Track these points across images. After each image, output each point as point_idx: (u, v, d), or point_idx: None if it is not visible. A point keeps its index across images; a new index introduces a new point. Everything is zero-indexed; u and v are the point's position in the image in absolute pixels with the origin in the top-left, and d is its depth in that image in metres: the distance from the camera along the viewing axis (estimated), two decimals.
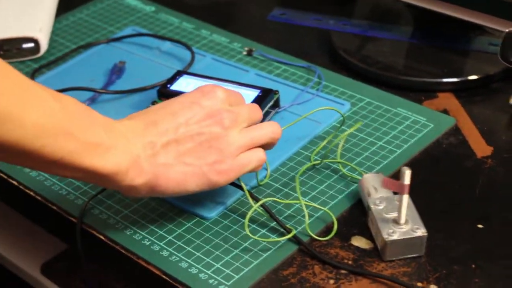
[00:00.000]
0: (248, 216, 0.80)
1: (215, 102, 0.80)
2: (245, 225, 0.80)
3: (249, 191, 0.83)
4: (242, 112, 0.81)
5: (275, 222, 0.82)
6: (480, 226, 0.83)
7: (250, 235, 0.80)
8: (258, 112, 0.83)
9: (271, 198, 0.84)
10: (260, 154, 0.81)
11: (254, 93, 0.95)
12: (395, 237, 0.78)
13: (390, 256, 0.78)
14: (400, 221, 0.79)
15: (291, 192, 0.87)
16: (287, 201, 0.85)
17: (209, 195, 0.85)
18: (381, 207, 0.81)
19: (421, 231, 0.78)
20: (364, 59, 1.07)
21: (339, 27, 1.15)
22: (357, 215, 0.84)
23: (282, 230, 0.81)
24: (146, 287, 0.82)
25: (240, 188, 0.83)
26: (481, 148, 0.93)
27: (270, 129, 0.82)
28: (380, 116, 0.97)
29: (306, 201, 0.85)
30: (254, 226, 0.83)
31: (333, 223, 0.82)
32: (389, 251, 0.78)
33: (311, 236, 0.81)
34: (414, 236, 0.78)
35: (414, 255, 0.79)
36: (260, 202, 0.81)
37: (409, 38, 1.12)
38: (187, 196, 0.85)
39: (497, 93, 1.02)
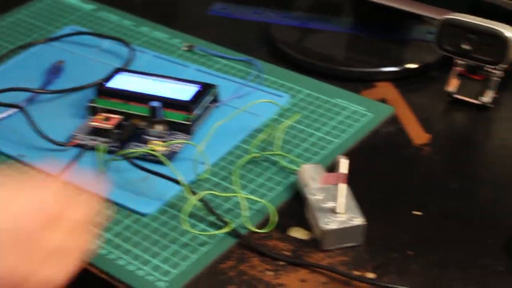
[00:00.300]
0: (186, 211, 0.80)
1: None
2: (183, 220, 0.80)
3: (187, 185, 0.82)
4: None
5: (213, 216, 0.82)
6: (417, 213, 0.83)
7: (188, 229, 0.80)
8: None
9: (209, 192, 0.84)
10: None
11: (194, 88, 0.95)
12: (332, 226, 0.78)
13: (328, 245, 0.79)
14: (338, 210, 0.79)
15: (230, 186, 0.87)
16: (225, 194, 0.84)
17: (147, 191, 0.85)
18: (319, 197, 0.81)
19: (359, 220, 0.79)
20: (304, 51, 1.08)
21: (280, 20, 1.15)
22: (296, 207, 0.84)
23: (220, 223, 0.81)
24: (85, 286, 0.81)
25: (178, 182, 0.83)
26: (419, 136, 0.94)
27: None
28: (319, 107, 0.97)
29: (244, 194, 0.85)
30: (193, 220, 0.82)
31: (271, 215, 0.82)
32: (327, 241, 0.79)
33: (249, 229, 0.81)
34: (352, 225, 0.78)
35: (352, 244, 0.79)
36: (198, 196, 0.81)
37: (349, 29, 1.13)
38: (125, 193, 0.85)
39: (434, 81, 1.03)
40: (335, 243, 0.79)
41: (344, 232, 0.78)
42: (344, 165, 0.77)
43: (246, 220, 0.81)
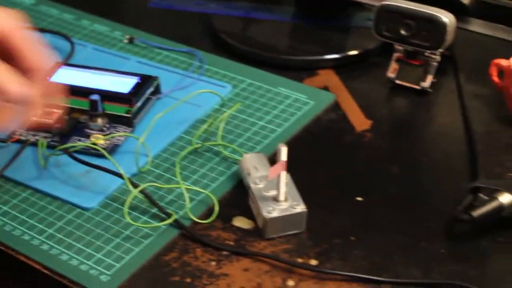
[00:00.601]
0: (127, 203, 0.80)
1: None
2: (125, 213, 0.80)
3: (129, 178, 0.82)
4: None
5: (156, 208, 0.82)
6: (359, 199, 0.84)
7: (131, 222, 0.80)
8: None
9: (151, 184, 0.83)
10: None
11: (133, 80, 0.94)
12: (274, 214, 0.78)
13: (270, 233, 0.79)
14: (279, 198, 0.79)
15: (172, 177, 0.86)
16: (167, 186, 0.84)
17: (89, 185, 0.85)
18: (261, 185, 0.81)
19: (301, 207, 0.79)
20: (245, 41, 1.08)
21: (221, 10, 1.15)
22: (239, 196, 0.84)
23: (163, 215, 0.81)
24: (28, 283, 0.81)
25: (120, 176, 0.83)
26: (360, 122, 0.95)
27: None
28: (261, 97, 0.98)
29: (187, 185, 0.85)
30: (135, 213, 0.82)
31: (214, 205, 0.82)
32: (269, 229, 0.79)
33: (192, 220, 0.81)
34: (294, 212, 0.79)
35: (295, 231, 0.80)
36: (139, 188, 0.81)
37: (291, 18, 1.13)
38: (67, 188, 0.84)
39: (375, 67, 1.04)
40: (278, 231, 0.79)
41: (286, 220, 0.79)
42: (283, 153, 0.77)
43: (188, 211, 0.81)
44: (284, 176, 0.79)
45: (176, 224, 0.80)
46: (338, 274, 0.75)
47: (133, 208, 0.82)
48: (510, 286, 0.74)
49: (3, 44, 0.74)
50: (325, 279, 0.75)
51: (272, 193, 0.80)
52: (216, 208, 0.82)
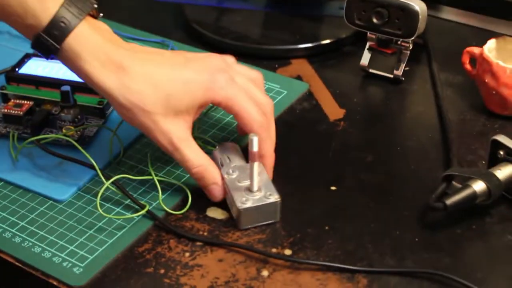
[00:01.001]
0: (99, 195, 0.79)
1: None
2: (97, 204, 0.79)
3: (101, 170, 0.81)
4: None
5: (129, 200, 0.81)
6: (333, 188, 0.84)
7: (103, 213, 0.79)
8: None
9: (122, 175, 0.83)
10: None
11: None
12: (248, 204, 0.78)
13: (245, 224, 0.79)
14: (253, 188, 0.79)
15: (145, 168, 0.86)
16: (140, 177, 0.84)
17: (61, 177, 0.84)
18: (234, 176, 0.81)
19: (274, 197, 0.79)
20: (218, 31, 1.07)
21: (194, 0, 1.15)
22: None
23: (136, 206, 0.81)
24: (1, 277, 0.80)
25: (92, 167, 0.82)
26: (333, 111, 0.94)
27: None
28: None
29: (160, 176, 0.84)
30: (108, 205, 0.82)
31: (188, 196, 0.82)
32: (244, 219, 0.79)
33: (166, 211, 0.81)
34: (267, 202, 0.79)
35: (270, 221, 0.79)
36: (111, 180, 0.80)
37: (263, 7, 1.13)
38: (39, 180, 0.84)
39: (348, 56, 1.04)
40: (252, 222, 0.79)
41: (260, 210, 0.79)
42: (255, 143, 0.77)
43: (161, 202, 0.81)
44: (257, 166, 0.78)
45: (150, 215, 0.80)
46: (312, 263, 0.75)
47: (106, 199, 0.82)
48: (484, 273, 0.74)
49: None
50: (299, 269, 0.75)
51: (246, 183, 0.80)
52: (190, 199, 0.82)
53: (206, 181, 0.80)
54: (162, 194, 0.82)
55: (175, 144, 0.78)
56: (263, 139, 0.80)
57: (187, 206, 0.81)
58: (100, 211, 0.79)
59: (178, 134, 0.78)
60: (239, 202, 0.78)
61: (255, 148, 0.77)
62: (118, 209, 0.81)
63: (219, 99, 0.79)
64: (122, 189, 0.81)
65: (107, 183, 0.80)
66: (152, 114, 0.76)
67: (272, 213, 0.79)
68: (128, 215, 0.80)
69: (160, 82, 0.76)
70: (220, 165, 0.83)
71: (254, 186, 0.79)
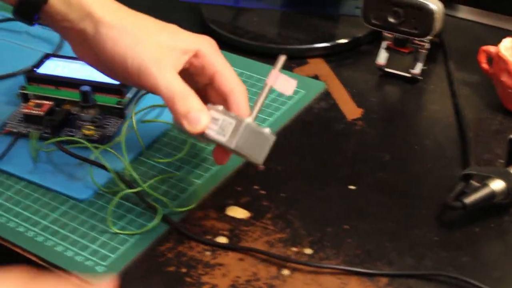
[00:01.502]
0: (112, 204, 0.81)
1: None
2: (109, 215, 0.80)
3: (117, 173, 0.82)
4: None
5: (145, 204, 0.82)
6: (351, 187, 0.84)
7: (114, 229, 0.80)
8: None
9: (139, 178, 0.83)
10: None
11: None
12: (250, 121, 0.73)
13: (238, 142, 0.73)
14: (252, 112, 0.74)
15: (166, 168, 0.87)
16: (155, 179, 0.84)
17: (82, 176, 0.85)
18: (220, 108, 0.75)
19: (269, 130, 0.74)
20: (234, 30, 1.08)
21: None
22: (232, 186, 0.85)
23: (157, 206, 0.81)
24: None
25: (107, 169, 0.83)
26: (351, 110, 0.95)
27: None
28: (252, 86, 0.98)
29: (179, 174, 0.85)
30: (128, 204, 0.82)
31: (208, 195, 0.83)
32: (242, 137, 0.73)
33: (186, 210, 0.81)
34: (263, 132, 0.74)
35: (254, 157, 0.74)
36: (120, 194, 0.81)
37: (280, 6, 1.13)
38: (60, 179, 0.84)
39: (365, 55, 1.04)
40: (244, 145, 0.73)
41: (256, 137, 0.74)
42: (280, 62, 0.75)
43: (181, 202, 0.82)
44: (265, 92, 0.75)
45: (170, 215, 0.81)
46: (331, 268, 0.75)
47: (125, 199, 0.83)
48: (502, 272, 0.75)
49: (201, 67, 0.79)
50: (320, 268, 0.75)
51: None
52: (208, 198, 0.82)
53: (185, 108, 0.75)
54: (182, 193, 0.83)
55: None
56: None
57: (192, 205, 0.81)
58: (111, 225, 0.80)
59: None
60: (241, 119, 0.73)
61: (278, 66, 0.74)
62: (138, 209, 0.82)
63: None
64: (140, 196, 0.81)
65: (117, 197, 0.81)
66: None
67: (261, 148, 0.74)
68: (141, 221, 0.81)
69: None
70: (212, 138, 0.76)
71: (254, 112, 0.74)
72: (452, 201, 0.79)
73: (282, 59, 0.74)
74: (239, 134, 0.73)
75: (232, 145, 0.73)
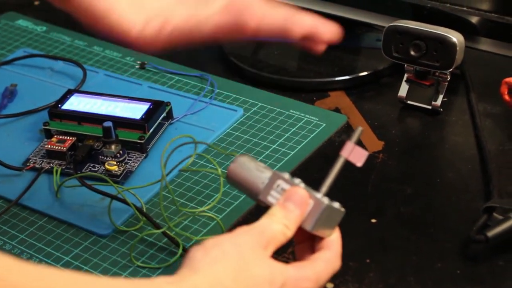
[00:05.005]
0: (134, 242, 0.80)
1: None
2: (131, 250, 0.80)
3: (138, 209, 0.83)
4: None
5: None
6: (373, 221, 0.84)
7: (136, 263, 0.80)
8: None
9: (161, 212, 0.83)
10: None
11: (145, 106, 0.95)
12: (327, 202, 0.68)
13: (317, 225, 0.67)
14: (323, 188, 0.69)
15: (187, 202, 0.87)
16: (179, 218, 0.84)
17: (104, 211, 0.85)
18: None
19: (338, 205, 0.70)
20: (256, 64, 1.08)
21: None
22: (253, 219, 0.84)
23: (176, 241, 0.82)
24: None
25: (129, 205, 0.83)
26: (372, 143, 0.95)
27: None
28: (273, 120, 0.98)
29: (201, 209, 0.85)
30: (150, 239, 0.83)
31: (230, 229, 0.82)
32: (320, 218, 0.67)
33: None
34: (336, 207, 0.69)
35: (329, 231, 0.70)
36: (142, 234, 0.82)
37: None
38: (82, 214, 0.85)
39: (386, 88, 1.04)
40: (321, 225, 0.68)
41: (331, 213, 0.69)
42: (356, 134, 0.70)
43: (204, 236, 0.82)
44: (340, 164, 0.71)
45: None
46: None
47: (146, 234, 0.83)
48: None
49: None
50: None
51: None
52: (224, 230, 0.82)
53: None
54: (204, 228, 0.83)
55: None
56: None
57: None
58: (133, 259, 0.80)
59: None
60: (319, 196, 0.68)
61: (354, 139, 0.70)
62: (153, 251, 0.82)
63: None
64: (165, 234, 0.82)
65: (138, 239, 0.81)
66: None
67: (334, 223, 0.70)
68: (159, 265, 0.81)
69: None
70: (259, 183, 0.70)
71: (323, 187, 0.69)
72: (475, 234, 0.78)
73: (358, 131, 0.70)
74: (317, 216, 0.67)
75: (309, 228, 0.67)
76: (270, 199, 0.68)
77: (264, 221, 0.65)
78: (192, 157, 0.81)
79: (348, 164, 0.91)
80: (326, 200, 0.67)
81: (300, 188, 0.67)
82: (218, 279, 0.61)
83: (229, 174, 0.70)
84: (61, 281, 0.57)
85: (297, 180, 0.68)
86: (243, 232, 0.64)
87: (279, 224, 0.65)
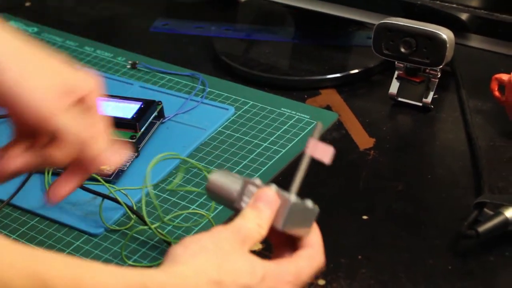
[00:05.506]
0: (126, 240, 0.80)
1: None
2: (122, 251, 0.80)
3: (129, 208, 0.83)
4: None
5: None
6: (365, 217, 0.84)
7: (128, 262, 0.80)
8: None
9: (153, 210, 0.83)
10: None
11: (136, 105, 0.95)
12: (296, 200, 0.67)
13: (286, 222, 0.67)
14: (292, 187, 0.68)
15: (179, 201, 0.87)
16: (169, 217, 0.84)
17: (96, 210, 0.85)
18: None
19: (311, 203, 0.70)
20: (247, 63, 1.08)
21: (222, 33, 1.16)
22: None
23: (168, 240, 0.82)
24: None
25: (121, 204, 0.83)
26: (363, 140, 0.95)
27: None
28: (264, 118, 0.98)
29: (191, 209, 0.85)
30: (141, 237, 0.83)
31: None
32: (289, 216, 0.67)
33: None
34: (308, 206, 0.69)
35: (305, 229, 0.70)
36: (132, 232, 0.82)
37: (291, 39, 1.14)
38: (74, 214, 0.85)
39: (377, 85, 1.05)
40: (292, 224, 0.68)
41: (303, 212, 0.69)
42: (317, 130, 0.70)
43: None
44: (306, 162, 0.70)
45: None
46: None
47: (139, 233, 0.83)
48: None
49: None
50: None
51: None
52: None
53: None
54: (196, 226, 0.83)
55: None
56: None
57: None
58: (127, 262, 0.80)
59: None
60: (287, 195, 0.67)
61: (315, 135, 0.70)
62: (144, 250, 0.82)
63: None
64: (152, 228, 0.82)
65: (129, 236, 0.81)
66: None
67: (308, 222, 0.69)
68: (151, 264, 0.81)
69: None
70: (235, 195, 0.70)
71: (293, 186, 0.68)
72: (466, 230, 0.79)
73: (319, 127, 0.71)
74: (285, 215, 0.67)
75: (280, 226, 0.67)
76: (243, 204, 0.68)
77: (238, 221, 0.66)
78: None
79: (339, 160, 0.91)
80: (293, 199, 0.68)
81: (267, 189, 0.67)
82: (202, 269, 0.62)
83: (208, 193, 0.71)
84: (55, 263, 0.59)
85: (272, 185, 0.68)
86: (220, 230, 0.65)
87: (252, 223, 0.66)
